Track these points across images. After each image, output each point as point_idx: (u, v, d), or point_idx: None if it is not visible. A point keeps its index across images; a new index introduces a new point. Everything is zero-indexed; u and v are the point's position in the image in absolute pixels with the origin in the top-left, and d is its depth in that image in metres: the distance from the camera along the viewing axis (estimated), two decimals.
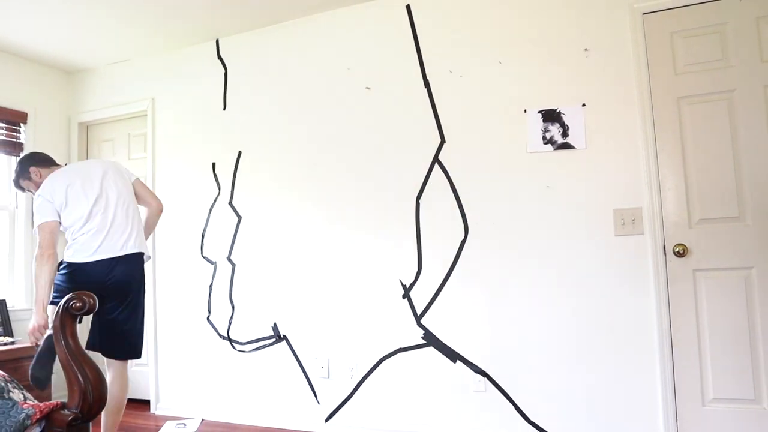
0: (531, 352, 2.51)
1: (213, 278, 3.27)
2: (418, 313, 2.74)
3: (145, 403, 3.48)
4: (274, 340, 3.07)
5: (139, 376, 3.51)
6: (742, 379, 2.20)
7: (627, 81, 2.41)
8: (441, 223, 2.71)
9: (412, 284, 2.75)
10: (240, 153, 3.21)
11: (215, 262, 3.26)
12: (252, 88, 3.22)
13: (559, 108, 2.51)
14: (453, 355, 2.65)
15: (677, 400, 2.26)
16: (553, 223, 2.51)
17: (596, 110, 2.45)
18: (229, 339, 3.19)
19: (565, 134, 2.49)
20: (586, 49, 2.48)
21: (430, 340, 2.70)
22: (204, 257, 3.28)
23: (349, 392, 2.86)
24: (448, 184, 2.71)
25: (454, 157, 2.71)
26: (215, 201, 3.28)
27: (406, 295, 2.76)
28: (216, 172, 3.29)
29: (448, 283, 2.68)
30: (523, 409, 2.51)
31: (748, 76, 2.23)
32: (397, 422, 2.73)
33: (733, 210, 2.23)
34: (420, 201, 2.76)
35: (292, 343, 3.02)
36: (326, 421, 2.89)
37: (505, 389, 2.55)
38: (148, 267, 2.53)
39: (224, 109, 3.28)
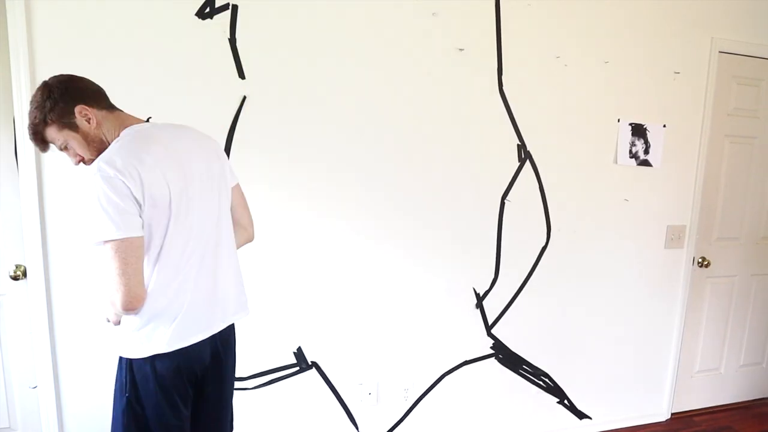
0: (583, 347, 2.77)
1: None
2: (489, 323, 2.58)
3: None
4: (297, 369, 2.33)
5: None
6: (714, 354, 3.07)
7: (697, 111, 2.73)
8: (524, 226, 2.55)
9: (487, 292, 2.54)
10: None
11: None
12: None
13: (646, 124, 2.65)
14: (518, 362, 2.66)
15: (678, 372, 2.98)
16: (624, 234, 2.72)
17: (670, 132, 2.71)
18: None
19: (646, 151, 2.67)
20: (676, 72, 2.65)
21: (499, 349, 2.61)
22: None
23: (401, 416, 2.52)
24: (537, 186, 2.54)
25: (543, 155, 2.53)
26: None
27: (479, 304, 2.54)
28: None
29: (523, 290, 2.60)
30: (573, 401, 2.80)
31: (765, 128, 2.88)
32: None
33: (736, 232, 2.95)
34: (506, 201, 2.49)
35: (324, 370, 2.37)
36: None
37: (560, 385, 2.76)
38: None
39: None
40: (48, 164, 1.90)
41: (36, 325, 1.96)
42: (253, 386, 2.29)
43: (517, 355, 2.66)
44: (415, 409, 2.53)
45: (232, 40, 2.01)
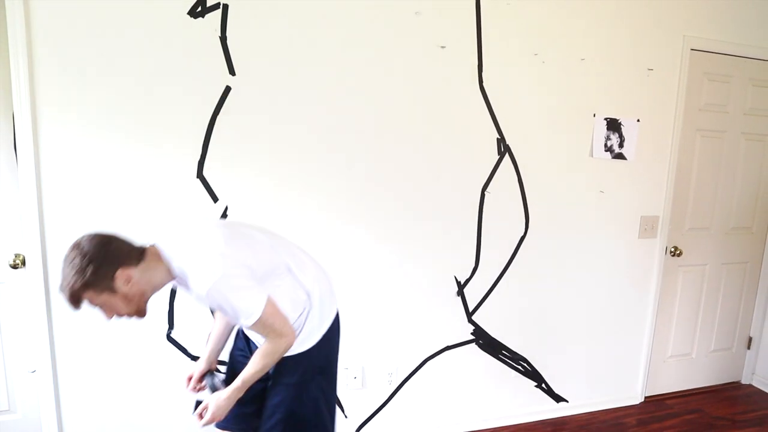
0: (560, 334, 2.99)
1: None
2: (470, 310, 2.78)
3: None
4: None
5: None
6: (686, 340, 3.30)
7: (669, 106, 2.94)
8: (503, 217, 2.74)
9: (468, 280, 2.74)
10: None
11: None
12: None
13: (621, 119, 2.85)
14: (498, 347, 2.86)
15: (652, 357, 3.21)
16: (599, 224, 2.93)
17: (644, 126, 2.91)
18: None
19: (621, 145, 2.87)
20: (650, 69, 2.85)
21: (480, 335, 2.81)
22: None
23: (385, 399, 2.71)
24: (516, 178, 2.72)
25: (522, 149, 2.71)
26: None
27: (460, 292, 2.73)
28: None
29: (503, 278, 2.80)
30: (550, 384, 3.02)
31: (734, 123, 3.10)
32: (434, 419, 2.81)
33: (707, 222, 3.18)
34: (485, 193, 2.68)
35: None
36: None
37: (538, 369, 2.97)
38: None
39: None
40: (46, 157, 2.04)
41: (34, 312, 2.11)
42: None
43: (497, 340, 2.86)
44: (399, 392, 2.73)
45: (223, 38, 2.17)
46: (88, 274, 1.37)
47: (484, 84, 2.57)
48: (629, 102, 2.86)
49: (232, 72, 2.20)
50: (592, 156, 2.84)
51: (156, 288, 1.54)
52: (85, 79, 2.04)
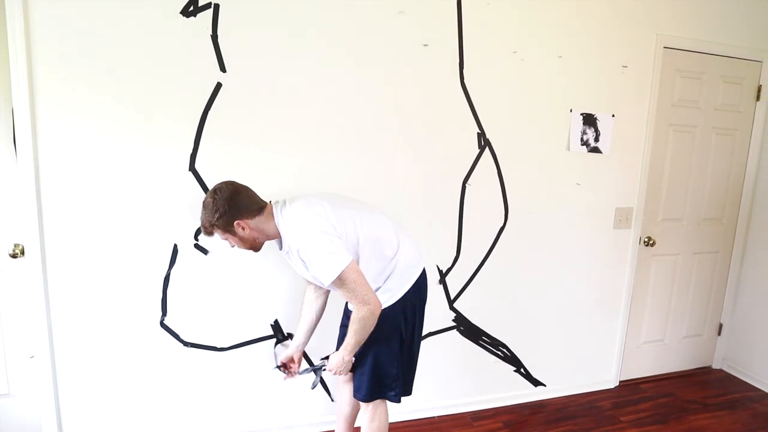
0: (538, 320, 3.19)
1: (170, 268, 2.46)
2: (452, 297, 2.96)
3: None
4: (274, 340, 2.68)
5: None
6: (659, 327, 3.53)
7: (643, 102, 3.14)
8: (483, 208, 2.93)
9: (449, 269, 2.92)
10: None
11: (176, 245, 2.45)
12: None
13: (596, 114, 3.04)
14: (478, 333, 3.05)
15: (626, 343, 3.43)
16: (575, 215, 3.13)
17: (618, 121, 3.10)
18: (200, 346, 2.56)
19: (597, 139, 3.07)
20: (624, 66, 3.04)
21: (461, 321, 3.00)
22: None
23: None
24: (496, 171, 2.90)
25: (502, 143, 2.89)
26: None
27: (442, 280, 2.92)
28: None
29: (483, 267, 2.99)
30: (529, 369, 3.23)
31: (705, 118, 3.31)
32: (417, 402, 2.99)
33: (679, 214, 3.39)
34: (466, 185, 2.86)
35: None
36: None
37: (517, 355, 3.17)
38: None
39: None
40: (44, 150, 2.18)
41: (33, 300, 2.26)
42: (228, 346, 2.63)
43: (477, 327, 3.05)
44: None
45: (214, 36, 2.31)
46: (215, 218, 1.92)
47: (465, 80, 2.74)
48: (605, 98, 3.06)
49: (222, 69, 2.35)
50: (568, 150, 3.03)
51: (267, 237, 2.03)
52: (82, 75, 2.18)
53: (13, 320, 2.40)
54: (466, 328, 3.03)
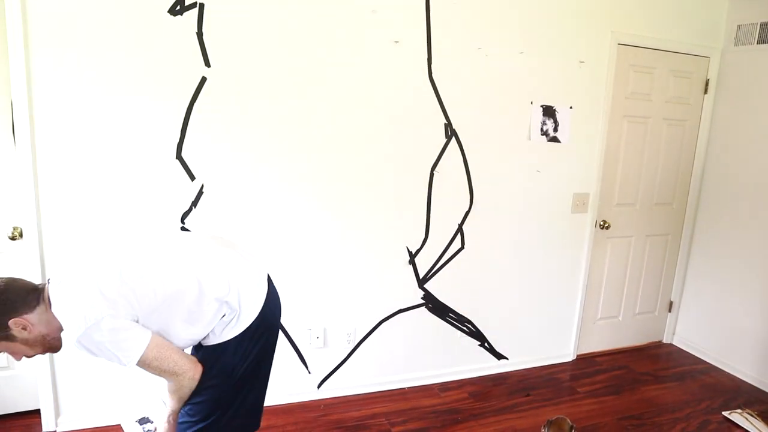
0: (501, 298, 3.57)
1: None
2: (421, 277, 3.32)
3: (29, 415, 2.75)
4: None
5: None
6: (614, 304, 3.96)
7: (599, 94, 3.52)
8: (450, 194, 3.28)
9: (418, 250, 3.27)
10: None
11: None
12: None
13: (555, 106, 3.40)
14: (445, 310, 3.42)
15: (583, 319, 3.84)
16: (536, 200, 3.51)
17: (576, 112, 3.48)
18: None
19: (556, 129, 3.44)
20: (581, 61, 3.41)
21: (429, 299, 3.36)
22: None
23: (345, 356, 3.24)
24: (462, 159, 3.25)
25: (467, 133, 3.24)
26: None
27: (412, 261, 3.27)
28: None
29: (449, 248, 3.34)
30: (492, 344, 3.61)
31: (657, 110, 3.71)
32: (388, 374, 3.36)
33: (632, 199, 3.80)
34: (434, 172, 3.20)
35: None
36: (318, 387, 3.21)
37: (481, 330, 3.56)
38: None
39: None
40: (41, 140, 2.45)
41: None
42: None
43: (444, 304, 3.42)
44: (357, 350, 3.27)
45: (199, 34, 2.60)
46: None
47: (433, 75, 3.08)
48: (563, 91, 3.42)
49: (207, 64, 2.64)
50: (529, 139, 3.39)
51: (60, 329, 1.53)
52: (76, 66, 2.45)
53: None
54: (434, 305, 3.39)
